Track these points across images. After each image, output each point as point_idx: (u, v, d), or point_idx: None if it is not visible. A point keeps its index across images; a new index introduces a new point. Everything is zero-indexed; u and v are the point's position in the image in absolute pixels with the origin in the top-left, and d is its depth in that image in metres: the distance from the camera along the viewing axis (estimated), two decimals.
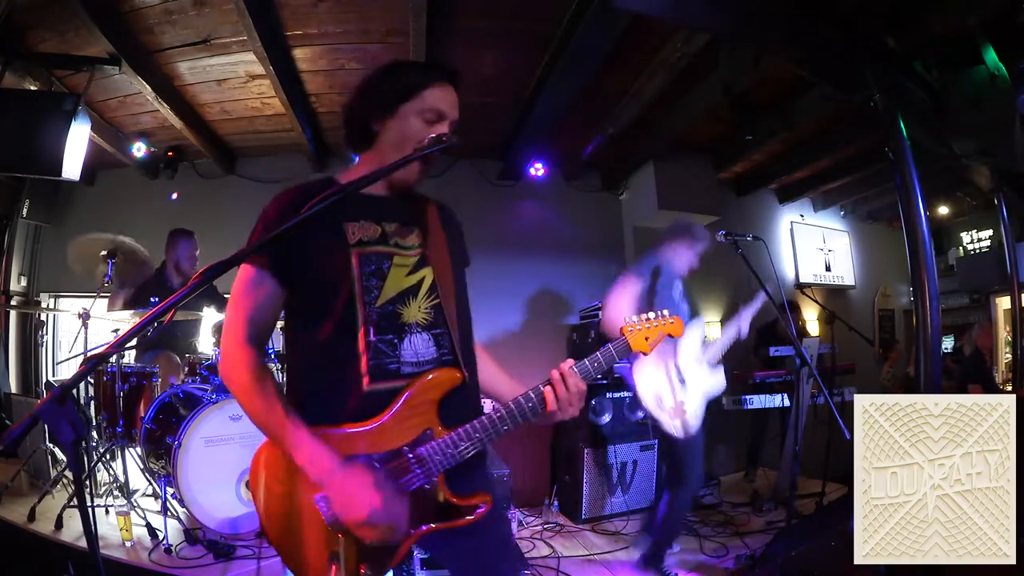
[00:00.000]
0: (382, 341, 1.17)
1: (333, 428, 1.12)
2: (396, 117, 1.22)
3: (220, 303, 3.71)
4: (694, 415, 2.52)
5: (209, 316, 3.65)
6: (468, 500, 1.18)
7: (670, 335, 1.27)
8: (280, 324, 1.29)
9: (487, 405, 1.31)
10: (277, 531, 1.16)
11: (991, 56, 2.82)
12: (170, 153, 4.75)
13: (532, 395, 1.19)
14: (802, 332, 4.92)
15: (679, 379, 2.56)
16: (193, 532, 2.84)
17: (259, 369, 1.13)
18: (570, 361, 1.22)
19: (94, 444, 3.29)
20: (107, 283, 3.39)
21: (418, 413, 1.16)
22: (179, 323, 3.75)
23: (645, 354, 1.26)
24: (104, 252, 3.40)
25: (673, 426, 2.50)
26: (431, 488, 1.15)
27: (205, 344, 3.83)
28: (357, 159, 1.35)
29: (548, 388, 1.19)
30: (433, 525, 1.16)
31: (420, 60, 1.17)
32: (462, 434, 1.16)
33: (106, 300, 3.77)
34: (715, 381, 2.66)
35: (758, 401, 3.96)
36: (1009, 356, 5.67)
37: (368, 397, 1.14)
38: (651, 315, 1.26)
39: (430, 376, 1.18)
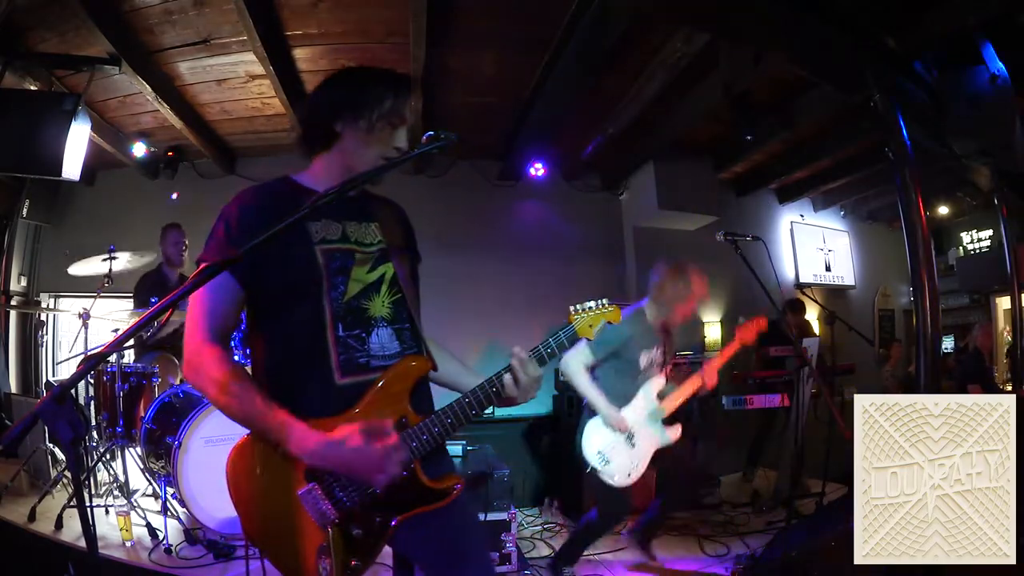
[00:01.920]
0: (351, 336, 1.19)
1: (308, 421, 1.12)
2: (362, 120, 1.24)
3: None
4: (635, 470, 2.58)
5: None
6: (443, 483, 1.22)
7: (609, 322, 1.31)
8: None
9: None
10: (260, 531, 1.18)
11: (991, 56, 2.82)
12: (170, 153, 4.75)
13: (495, 380, 1.23)
14: (806, 331, 4.91)
15: (627, 439, 2.59)
16: (193, 532, 2.84)
17: (228, 363, 1.13)
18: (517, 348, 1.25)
19: (94, 444, 3.29)
20: (107, 283, 3.39)
21: (392, 402, 1.19)
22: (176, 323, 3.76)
23: (589, 339, 1.31)
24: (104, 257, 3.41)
25: (608, 475, 2.56)
26: (409, 474, 1.18)
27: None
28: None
29: (508, 375, 1.22)
30: (412, 511, 1.19)
31: (385, 69, 1.23)
32: (435, 419, 1.19)
33: (106, 300, 3.76)
34: (666, 437, 2.66)
35: (758, 401, 3.96)
36: (1009, 356, 5.67)
37: (341, 391, 1.17)
38: (592, 303, 1.31)
39: (401, 365, 1.22)
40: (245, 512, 1.18)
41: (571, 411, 3.95)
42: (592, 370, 2.61)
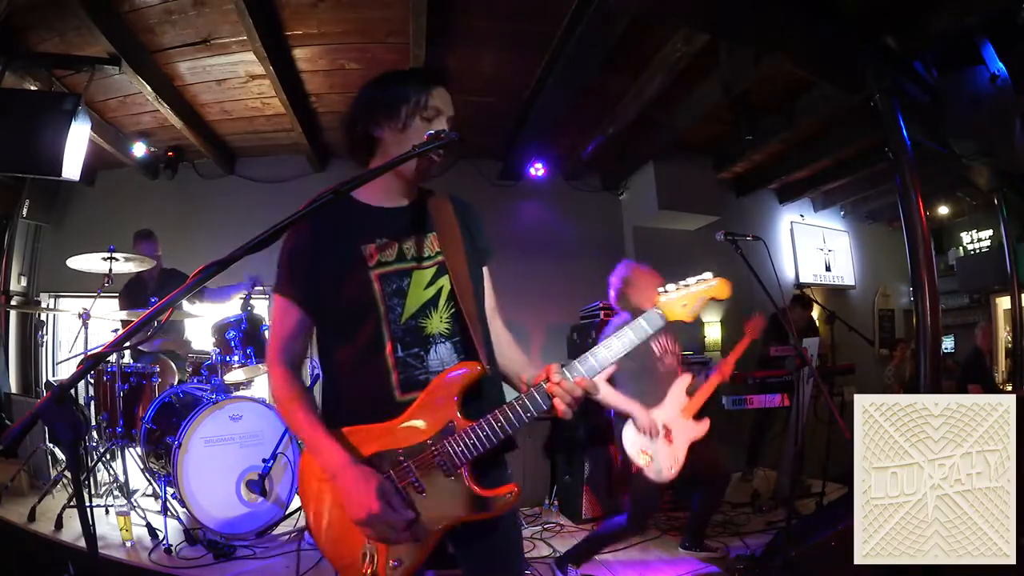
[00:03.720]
0: (409, 355, 1.23)
1: (361, 426, 1.20)
2: (396, 120, 1.25)
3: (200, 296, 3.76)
4: (676, 463, 2.65)
5: (206, 314, 3.66)
6: (494, 491, 1.19)
7: (715, 297, 1.15)
8: None
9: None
10: (317, 527, 1.22)
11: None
12: (170, 153, 4.76)
13: (540, 388, 1.18)
14: (811, 328, 4.90)
15: (666, 437, 2.66)
16: (193, 532, 2.84)
17: (290, 383, 1.23)
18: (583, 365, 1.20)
19: (94, 444, 3.29)
20: (107, 283, 3.39)
21: (441, 407, 1.19)
22: (172, 322, 3.76)
23: (686, 322, 1.16)
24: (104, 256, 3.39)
25: (655, 472, 2.61)
26: (456, 480, 1.17)
27: (205, 343, 3.83)
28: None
29: (556, 400, 1.17)
30: (458, 518, 1.17)
31: (413, 68, 1.25)
32: (483, 424, 1.17)
33: (106, 300, 3.76)
34: (699, 429, 2.74)
35: (758, 401, 3.95)
36: (1009, 356, 5.67)
37: (400, 406, 1.20)
38: (691, 279, 1.16)
39: (446, 373, 1.21)
40: (308, 509, 1.25)
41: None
42: (610, 380, 2.65)
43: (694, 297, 1.13)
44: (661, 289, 1.15)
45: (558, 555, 2.84)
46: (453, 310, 1.27)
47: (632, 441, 2.64)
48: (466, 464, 1.17)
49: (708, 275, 1.14)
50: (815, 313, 5.20)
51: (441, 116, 1.27)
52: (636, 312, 2.58)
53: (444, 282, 1.28)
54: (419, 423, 1.18)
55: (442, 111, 1.27)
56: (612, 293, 2.91)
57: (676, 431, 2.67)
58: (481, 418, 1.18)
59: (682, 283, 1.13)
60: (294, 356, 1.27)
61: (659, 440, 2.63)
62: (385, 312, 1.22)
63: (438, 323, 1.25)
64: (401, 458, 1.16)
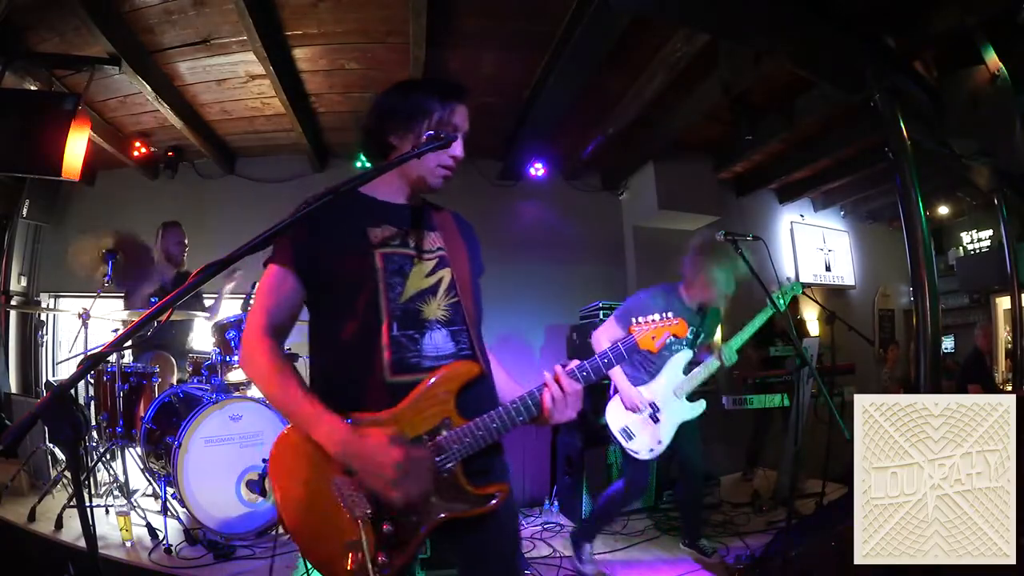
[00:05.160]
0: (404, 336, 1.21)
1: (354, 414, 1.16)
2: (414, 133, 1.26)
3: (202, 307, 3.80)
4: (657, 444, 2.65)
5: (205, 316, 3.66)
6: (485, 489, 1.20)
7: (675, 335, 1.34)
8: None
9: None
10: (294, 519, 1.17)
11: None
12: (170, 153, 4.76)
13: (536, 392, 1.22)
14: (800, 331, 4.91)
15: (651, 415, 2.66)
16: (193, 532, 2.84)
17: (277, 355, 1.19)
18: (575, 361, 1.25)
19: (94, 444, 3.29)
20: (107, 283, 3.38)
21: (437, 403, 1.19)
22: (175, 323, 3.76)
23: (652, 352, 1.33)
24: (105, 249, 3.39)
25: (632, 451, 2.65)
26: (449, 476, 1.18)
27: (205, 344, 3.83)
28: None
29: (546, 390, 1.21)
30: (448, 515, 1.18)
31: (435, 79, 1.28)
32: (479, 423, 1.19)
33: (106, 300, 3.76)
34: (692, 410, 2.72)
35: (758, 401, 3.95)
36: (1009, 356, 5.66)
37: (390, 388, 1.18)
38: (656, 316, 1.33)
39: (449, 367, 1.22)
40: (283, 500, 1.19)
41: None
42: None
43: (660, 331, 1.32)
44: (634, 320, 1.33)
45: (572, 531, 2.88)
46: (453, 300, 1.29)
47: (616, 416, 2.65)
48: (460, 461, 1.18)
49: (670, 314, 1.35)
50: (814, 314, 5.21)
51: (459, 133, 1.29)
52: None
53: (445, 274, 1.30)
54: (413, 417, 1.18)
55: (460, 128, 1.29)
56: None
57: (665, 410, 2.65)
58: (477, 417, 1.19)
59: (651, 318, 1.34)
60: (280, 328, 1.23)
61: (643, 419, 2.63)
62: (385, 289, 1.21)
63: (436, 310, 1.26)
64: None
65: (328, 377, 1.25)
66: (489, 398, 1.28)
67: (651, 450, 2.63)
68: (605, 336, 2.67)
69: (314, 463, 1.14)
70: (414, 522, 1.15)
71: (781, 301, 2.74)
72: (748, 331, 2.84)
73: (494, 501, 1.20)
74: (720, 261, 2.64)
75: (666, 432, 2.66)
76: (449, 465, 1.17)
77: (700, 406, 2.72)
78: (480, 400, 1.24)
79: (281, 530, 1.22)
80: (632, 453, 2.63)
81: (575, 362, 1.24)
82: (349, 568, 1.11)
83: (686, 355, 2.72)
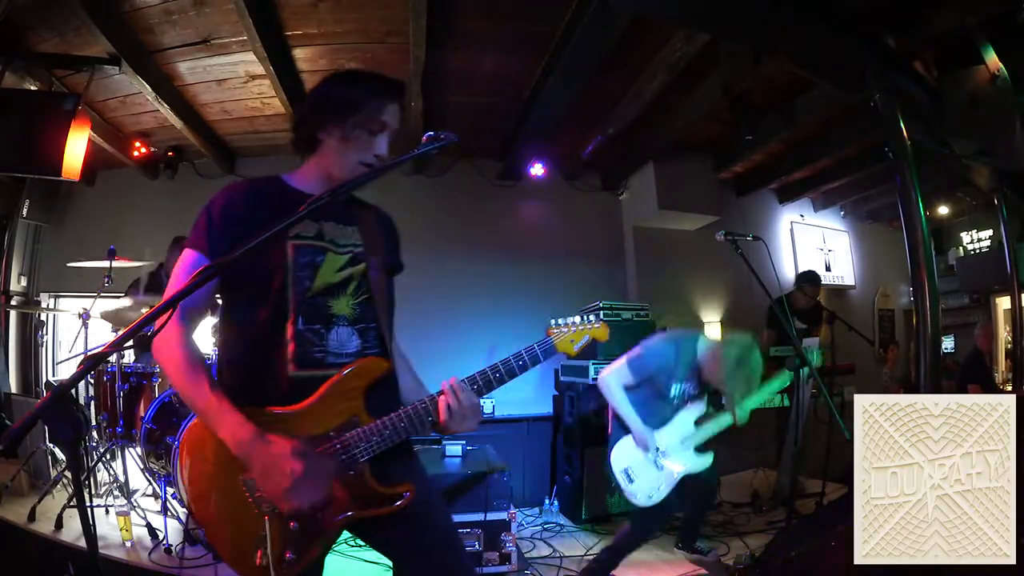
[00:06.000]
0: (309, 330, 1.20)
1: (259, 409, 1.14)
2: (342, 127, 1.25)
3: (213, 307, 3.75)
4: (656, 491, 2.55)
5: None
6: (392, 489, 1.20)
7: (595, 339, 1.30)
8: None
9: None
10: (203, 512, 1.17)
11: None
12: (170, 153, 4.76)
13: (428, 402, 1.22)
14: (820, 308, 4.83)
15: (654, 461, 2.57)
16: (193, 532, 2.84)
17: (188, 345, 1.17)
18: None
19: (94, 444, 3.29)
20: (107, 283, 3.39)
21: (345, 400, 1.19)
22: None
23: (570, 356, 1.30)
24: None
25: (631, 494, 2.56)
26: (355, 475, 1.17)
27: (205, 344, 3.83)
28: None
29: (442, 398, 1.21)
30: (356, 513, 1.18)
31: (372, 73, 1.25)
32: (386, 423, 1.19)
33: (107, 300, 3.76)
34: (697, 463, 2.63)
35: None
36: (1009, 356, 5.66)
37: (293, 383, 1.17)
38: (577, 319, 1.30)
39: (359, 363, 1.21)
40: (192, 492, 1.18)
41: (572, 411, 3.95)
42: (628, 390, 2.60)
43: (579, 335, 1.28)
44: (552, 322, 1.29)
45: (583, 570, 2.78)
46: (363, 297, 1.27)
47: (619, 457, 2.58)
48: (366, 460, 1.18)
49: (592, 318, 1.30)
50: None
51: (387, 131, 1.28)
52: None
53: (357, 270, 1.28)
54: (321, 413, 1.17)
55: (388, 126, 1.28)
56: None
57: (671, 458, 2.59)
58: (384, 416, 1.19)
59: (570, 320, 1.29)
60: (193, 315, 1.21)
61: (646, 464, 2.56)
62: (293, 282, 1.20)
63: (344, 306, 1.25)
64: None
65: (234, 368, 1.24)
66: (395, 398, 1.29)
67: (649, 496, 2.54)
68: (616, 379, 2.58)
69: (223, 458, 1.12)
70: (320, 520, 1.15)
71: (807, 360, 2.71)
72: (764, 393, 2.76)
73: (400, 502, 1.19)
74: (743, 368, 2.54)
75: (668, 482, 2.57)
76: (356, 463, 1.17)
77: (708, 459, 2.63)
78: (386, 399, 1.24)
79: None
80: (629, 496, 2.55)
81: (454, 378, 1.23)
82: (258, 563, 1.11)
83: (700, 407, 2.65)
